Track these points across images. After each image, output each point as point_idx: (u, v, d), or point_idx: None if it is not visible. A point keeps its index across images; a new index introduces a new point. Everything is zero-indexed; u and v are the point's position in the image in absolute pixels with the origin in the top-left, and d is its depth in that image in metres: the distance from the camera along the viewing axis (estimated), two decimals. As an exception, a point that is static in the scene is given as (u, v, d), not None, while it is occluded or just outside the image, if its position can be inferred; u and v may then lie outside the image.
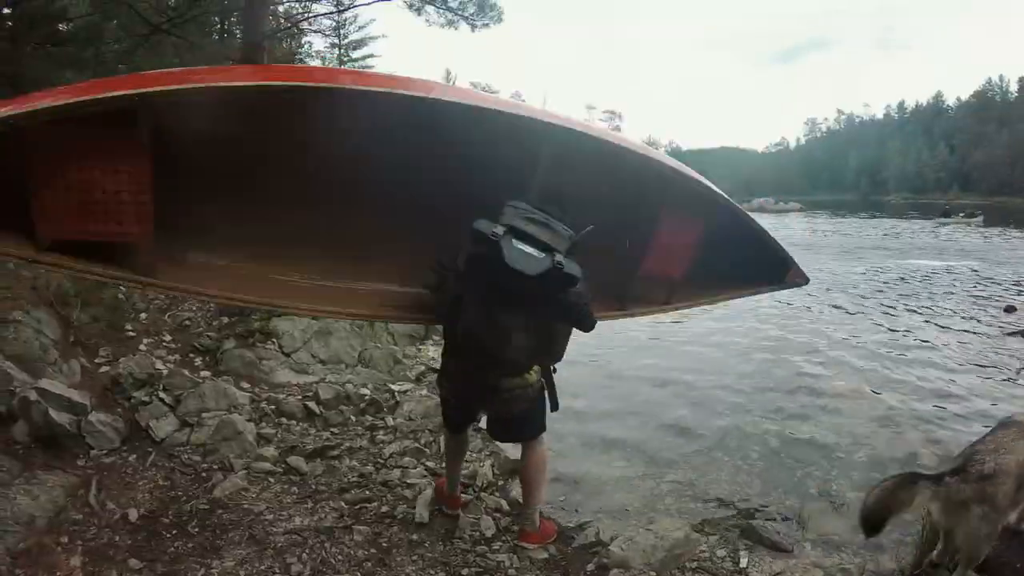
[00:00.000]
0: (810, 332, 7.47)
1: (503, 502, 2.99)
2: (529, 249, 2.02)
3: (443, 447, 3.09)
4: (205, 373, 4.04)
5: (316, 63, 28.13)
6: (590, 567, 2.49)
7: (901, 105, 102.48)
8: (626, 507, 3.19)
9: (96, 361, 3.78)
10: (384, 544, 2.54)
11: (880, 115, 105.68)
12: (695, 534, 2.77)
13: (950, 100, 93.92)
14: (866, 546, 2.85)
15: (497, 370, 2.25)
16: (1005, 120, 75.97)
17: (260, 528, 2.56)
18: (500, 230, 2.01)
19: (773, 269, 3.06)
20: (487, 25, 8.59)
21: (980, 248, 19.46)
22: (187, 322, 4.66)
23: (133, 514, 2.55)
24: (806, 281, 3.18)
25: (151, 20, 7.36)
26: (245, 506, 2.72)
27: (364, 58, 31.03)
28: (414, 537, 2.60)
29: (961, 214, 32.62)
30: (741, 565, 2.60)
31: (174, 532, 2.49)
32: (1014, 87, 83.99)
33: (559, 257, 2.03)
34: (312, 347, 4.68)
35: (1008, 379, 5.63)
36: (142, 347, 4.14)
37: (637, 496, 3.32)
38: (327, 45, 29.33)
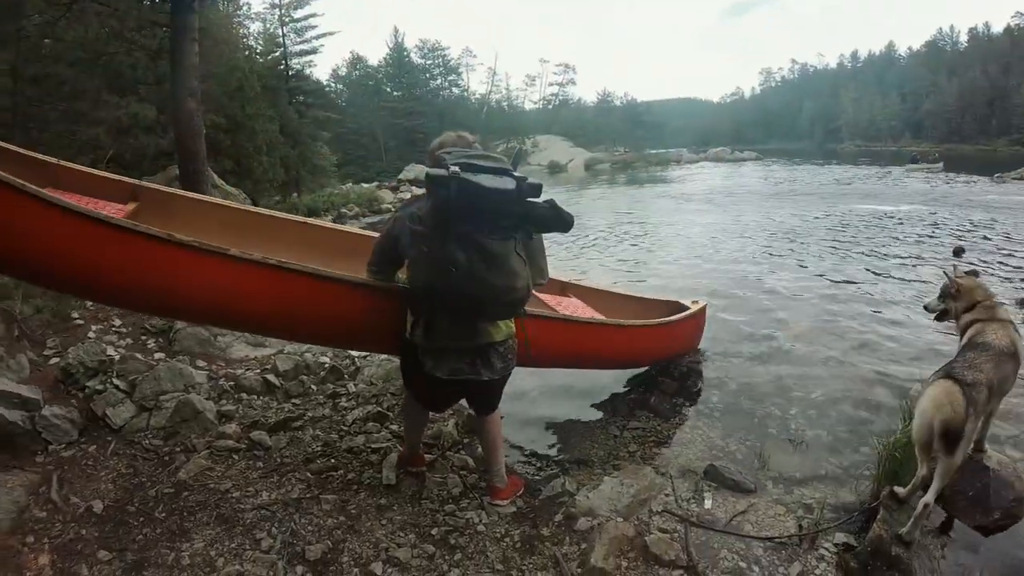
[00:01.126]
0: (767, 279, 7.63)
1: (469, 459, 3.01)
2: (487, 176, 2.06)
3: (403, 416, 3.06)
4: (159, 355, 3.93)
5: (256, 26, 27.24)
6: (558, 517, 2.53)
7: (854, 55, 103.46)
8: (591, 456, 3.24)
9: (44, 353, 3.65)
10: (353, 511, 2.54)
11: (834, 65, 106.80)
12: (659, 478, 2.85)
13: (902, 50, 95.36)
14: (825, 481, 2.98)
15: (496, 314, 2.29)
16: (955, 70, 77.44)
17: (228, 506, 2.54)
18: (455, 168, 2.01)
19: None
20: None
21: (939, 193, 20.06)
22: (136, 304, 4.51)
23: (98, 505, 2.50)
24: None
25: (71, -12, 6.94)
26: (211, 486, 2.69)
27: (307, 17, 29.97)
28: (382, 501, 2.61)
29: (925, 162, 33.29)
30: (706, 506, 2.68)
31: (141, 519, 2.44)
32: (964, 38, 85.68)
33: (519, 175, 2.12)
34: (267, 320, 4.58)
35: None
36: (91, 334, 4.00)
37: (601, 445, 3.38)
38: (266, 6, 28.22)
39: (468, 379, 2.36)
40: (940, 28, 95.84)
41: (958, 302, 2.65)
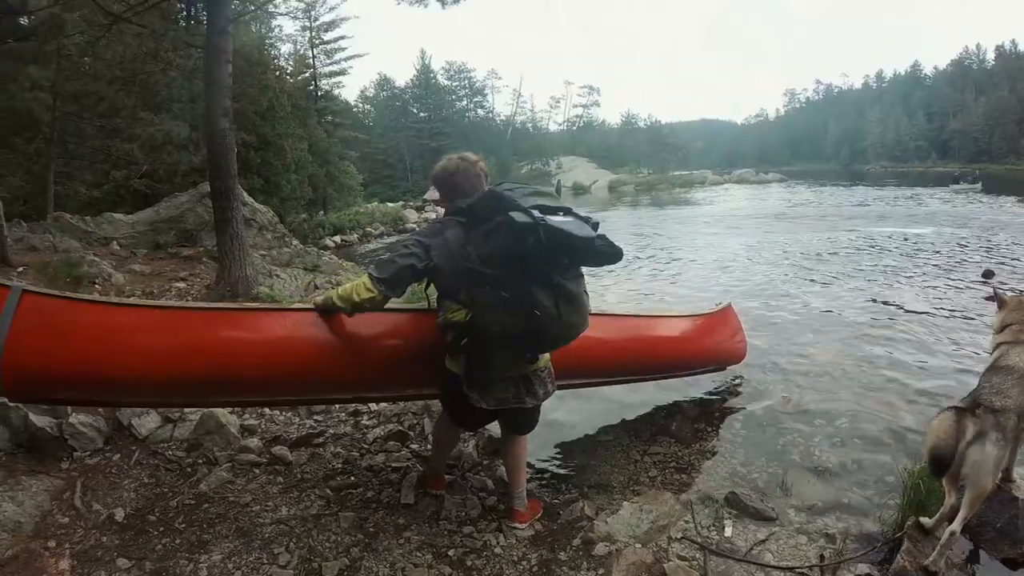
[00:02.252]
0: (793, 302, 7.53)
1: (488, 481, 3.01)
2: (563, 218, 2.12)
3: (434, 437, 3.08)
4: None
5: (287, 48, 27.96)
6: (576, 542, 2.51)
7: (879, 75, 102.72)
8: (611, 481, 3.20)
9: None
10: (371, 529, 2.55)
11: (859, 85, 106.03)
12: (679, 505, 2.82)
13: (928, 69, 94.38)
14: (849, 510, 2.92)
15: (557, 347, 2.33)
16: (982, 88, 76.59)
17: (247, 520, 2.57)
18: (537, 214, 2.05)
19: None
20: (456, 2, 8.43)
21: (968, 214, 19.67)
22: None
23: (119, 514, 2.54)
24: None
25: (111, 10, 7.20)
26: (231, 499, 2.72)
27: (337, 39, 30.75)
28: (400, 520, 2.61)
29: (964, 181, 32.91)
30: (726, 534, 2.64)
31: (161, 529, 2.48)
32: (991, 55, 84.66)
33: (580, 213, 2.19)
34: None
35: (984, 343, 5.68)
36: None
37: (621, 469, 3.34)
38: (297, 28, 29.01)
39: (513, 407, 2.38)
40: (966, 47, 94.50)
41: (997, 317, 2.63)
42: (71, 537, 2.39)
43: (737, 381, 4.64)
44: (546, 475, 3.29)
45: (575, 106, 75.09)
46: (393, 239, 20.24)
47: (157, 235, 9.62)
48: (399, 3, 8.22)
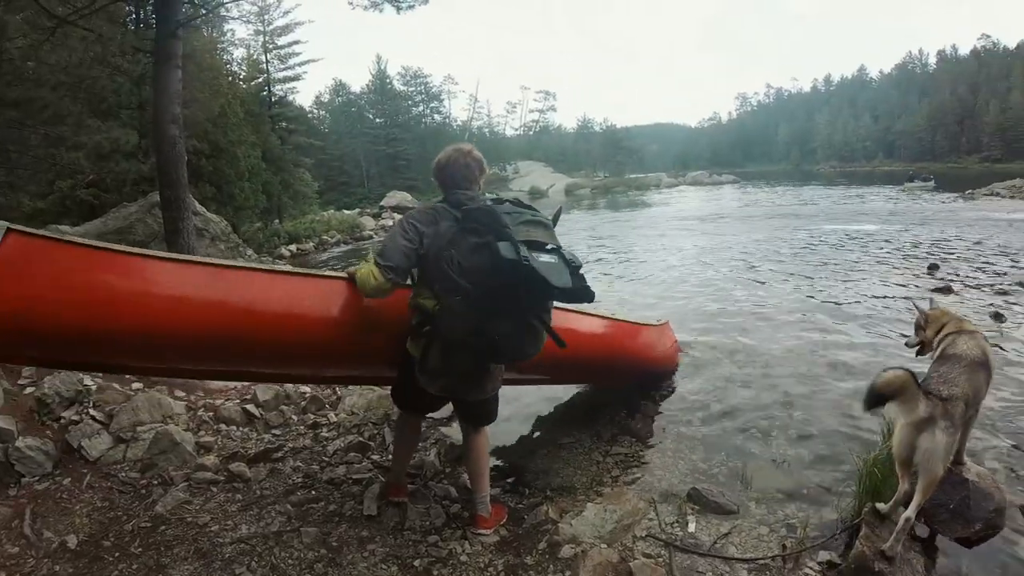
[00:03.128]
0: (747, 300, 7.69)
1: (451, 489, 2.99)
2: (548, 258, 2.16)
3: (394, 443, 3.05)
4: (137, 385, 3.87)
5: (240, 53, 27.38)
6: (541, 545, 2.51)
7: (827, 79, 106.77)
8: (574, 482, 3.22)
9: (19, 383, 3.57)
10: (334, 543, 2.51)
11: (808, 88, 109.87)
12: (642, 503, 2.85)
13: (873, 73, 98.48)
14: (808, 500, 2.98)
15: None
16: (925, 91, 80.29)
17: (206, 541, 2.50)
18: (524, 251, 2.09)
19: None
20: (412, 7, 8.37)
21: (915, 210, 20.58)
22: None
23: (72, 540, 2.45)
24: None
25: (56, 12, 6.91)
26: (189, 520, 2.65)
27: (291, 44, 30.23)
28: (364, 533, 2.58)
29: (919, 180, 34.40)
30: (690, 529, 2.67)
31: (116, 555, 2.39)
32: (933, 60, 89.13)
33: (567, 254, 2.23)
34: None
35: None
36: (68, 364, 3.95)
37: (584, 471, 3.36)
38: (251, 33, 28.43)
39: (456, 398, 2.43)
40: (910, 51, 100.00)
41: (928, 331, 2.71)
42: (22, 567, 2.29)
43: (696, 380, 4.72)
44: (509, 479, 3.28)
45: (532, 111, 75.61)
46: (351, 247, 20.02)
47: (105, 247, 9.28)
48: (353, 8, 8.11)
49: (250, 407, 3.73)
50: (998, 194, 25.79)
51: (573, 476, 3.30)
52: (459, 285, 2.13)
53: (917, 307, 2.85)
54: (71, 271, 2.00)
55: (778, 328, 6.27)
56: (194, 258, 2.35)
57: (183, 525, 2.60)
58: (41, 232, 2.06)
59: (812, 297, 7.81)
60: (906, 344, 2.89)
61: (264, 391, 3.93)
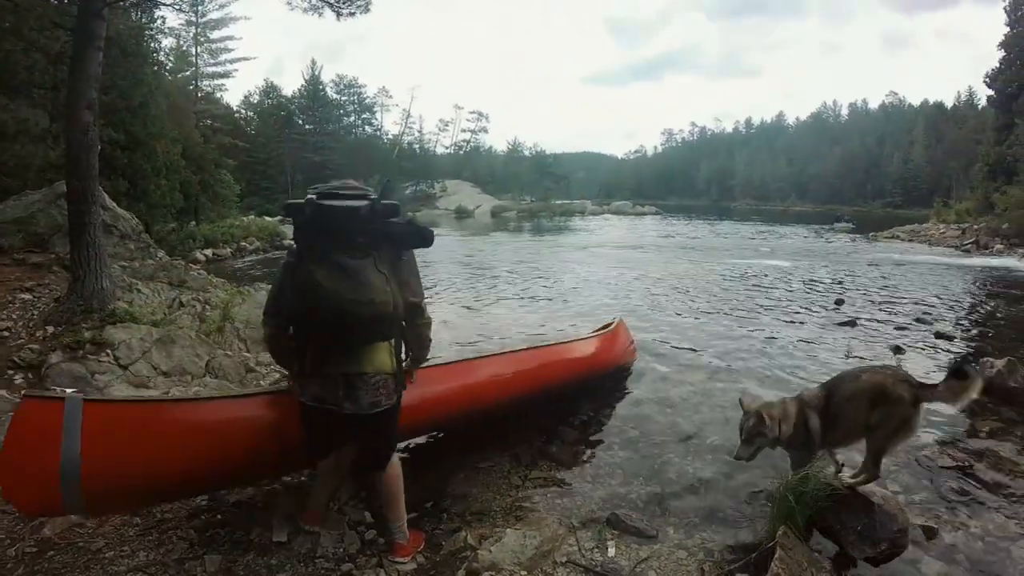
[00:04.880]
0: (664, 329, 7.92)
1: (367, 514, 2.89)
2: (346, 200, 2.26)
3: (321, 465, 2.79)
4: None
5: (168, 42, 26.13)
6: (460, 573, 2.45)
7: (748, 121, 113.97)
8: (493, 507, 3.17)
9: None
10: (241, 572, 2.36)
11: (730, 129, 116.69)
12: (562, 529, 2.84)
13: (791, 119, 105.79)
14: (725, 523, 3.06)
15: (363, 333, 2.26)
16: (837, 139, 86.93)
17: (99, 568, 2.29)
18: (311, 195, 2.23)
19: None
20: (353, 14, 8.14)
21: (825, 249, 22.10)
22: (4, 332, 4.07)
23: (-54, 567, 2.20)
24: None
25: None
26: (80, 544, 2.44)
27: (224, 39, 29.14)
28: (273, 561, 2.44)
29: (843, 221, 37.46)
30: (609, 555, 2.68)
31: (-3, 583, 2.16)
32: (845, 111, 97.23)
33: (373, 195, 2.30)
34: (152, 357, 4.30)
35: (840, 362, 6.38)
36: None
37: (503, 495, 3.32)
38: (182, 22, 27.19)
39: (331, 409, 2.29)
40: (824, 101, 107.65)
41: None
42: None
43: (614, 405, 4.82)
44: (426, 504, 3.17)
45: (463, 130, 75.53)
46: (271, 256, 19.31)
47: (1, 237, 8.49)
48: (292, 8, 7.85)
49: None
50: (898, 237, 28.25)
51: (492, 500, 3.24)
52: (286, 263, 2.37)
53: (742, 402, 3.16)
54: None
55: (693, 357, 6.51)
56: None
57: (74, 551, 2.40)
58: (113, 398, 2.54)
59: (727, 326, 8.18)
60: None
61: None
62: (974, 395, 2.72)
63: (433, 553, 2.62)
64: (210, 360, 4.50)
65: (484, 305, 9.97)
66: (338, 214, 2.20)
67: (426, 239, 2.36)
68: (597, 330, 5.40)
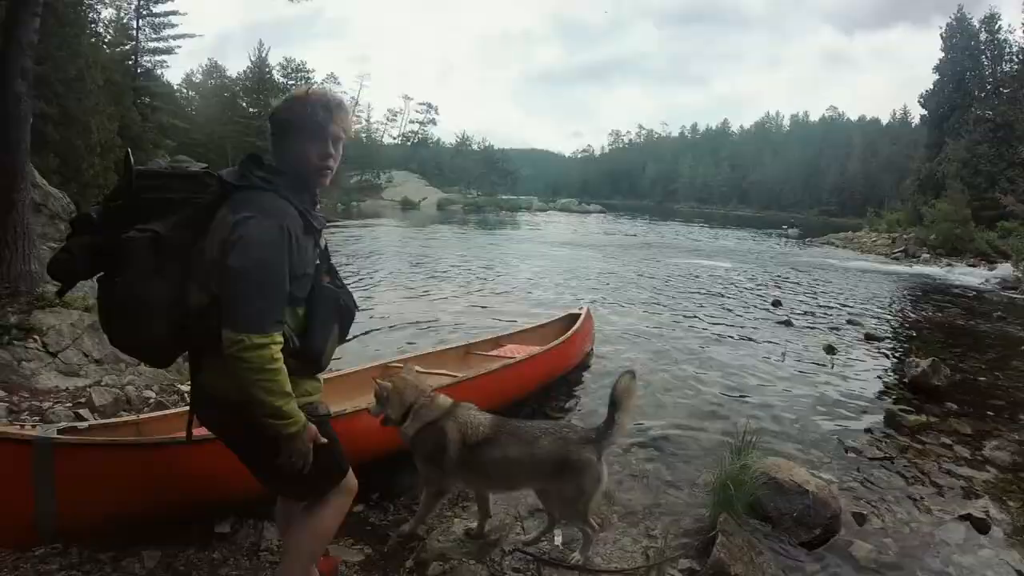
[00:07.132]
0: (608, 322, 8.04)
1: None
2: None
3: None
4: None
5: (108, 13, 24.76)
6: (409, 563, 2.45)
7: (694, 127, 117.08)
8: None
9: None
10: (181, 567, 2.25)
11: (676, 133, 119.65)
12: (509, 518, 2.88)
13: (735, 127, 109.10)
14: (668, 512, 3.16)
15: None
16: (778, 149, 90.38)
17: (29, 567, 2.12)
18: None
19: None
20: (306, -3, 7.97)
21: (763, 252, 23.02)
22: (-77, 318, 3.79)
23: None
24: None
25: None
26: (7, 541, 2.27)
27: (167, 14, 27.65)
28: (215, 555, 2.35)
29: (791, 227, 39.39)
30: (556, 543, 2.72)
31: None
32: (787, 122, 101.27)
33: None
34: (84, 344, 4.11)
35: (777, 360, 6.74)
36: None
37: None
38: (124, -8, 25.69)
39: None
40: (768, 112, 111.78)
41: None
42: None
43: (558, 396, 4.94)
44: (373, 495, 3.10)
45: (412, 122, 74.43)
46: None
47: (-85, 215, 7.89)
48: (243, -13, 7.58)
49: (84, 412, 3.28)
50: (833, 243, 29.84)
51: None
52: None
53: (377, 381, 2.64)
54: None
55: (636, 349, 6.73)
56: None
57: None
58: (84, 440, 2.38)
59: (669, 322, 8.49)
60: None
61: (101, 394, 3.51)
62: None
63: (381, 544, 2.59)
64: (146, 348, 4.30)
65: (423, 295, 9.94)
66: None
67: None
68: (565, 317, 6.08)
